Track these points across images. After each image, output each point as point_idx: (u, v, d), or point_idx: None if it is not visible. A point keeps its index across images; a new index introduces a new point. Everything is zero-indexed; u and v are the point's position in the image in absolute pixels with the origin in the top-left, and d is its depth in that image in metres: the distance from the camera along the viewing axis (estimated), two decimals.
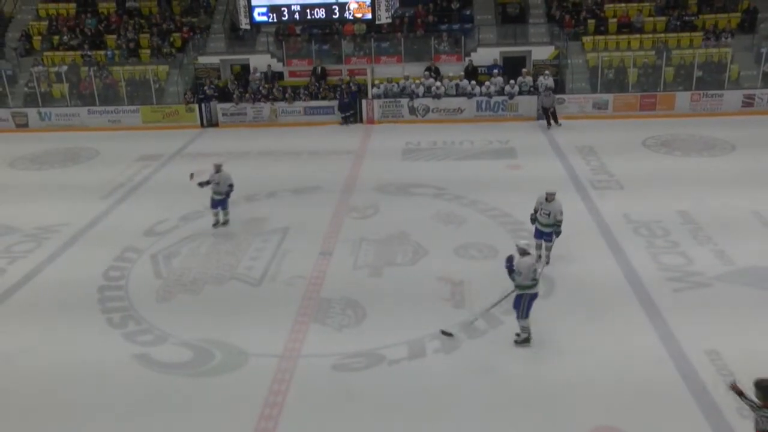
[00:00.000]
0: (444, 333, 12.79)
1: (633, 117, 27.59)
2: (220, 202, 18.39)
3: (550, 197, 15.04)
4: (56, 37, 33.24)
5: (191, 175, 18.53)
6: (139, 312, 14.54)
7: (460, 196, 19.77)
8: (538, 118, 27.92)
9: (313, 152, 25.52)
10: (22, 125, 30.57)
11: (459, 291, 14.59)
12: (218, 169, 18.07)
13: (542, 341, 12.65)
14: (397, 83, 29.43)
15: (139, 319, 14.25)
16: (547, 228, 15.20)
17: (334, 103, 29.18)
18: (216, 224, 18.58)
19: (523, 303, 12.37)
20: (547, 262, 15.29)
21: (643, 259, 15.62)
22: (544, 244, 15.49)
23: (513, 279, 12.24)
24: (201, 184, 18.05)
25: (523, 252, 12.43)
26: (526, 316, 12.47)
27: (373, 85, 29.40)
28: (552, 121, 27.11)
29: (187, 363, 12.68)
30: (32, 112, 30.63)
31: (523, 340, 12.62)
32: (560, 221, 15.00)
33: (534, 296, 12.48)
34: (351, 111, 28.98)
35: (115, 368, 12.56)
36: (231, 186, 18.20)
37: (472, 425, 10.66)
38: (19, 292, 15.70)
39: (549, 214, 15.01)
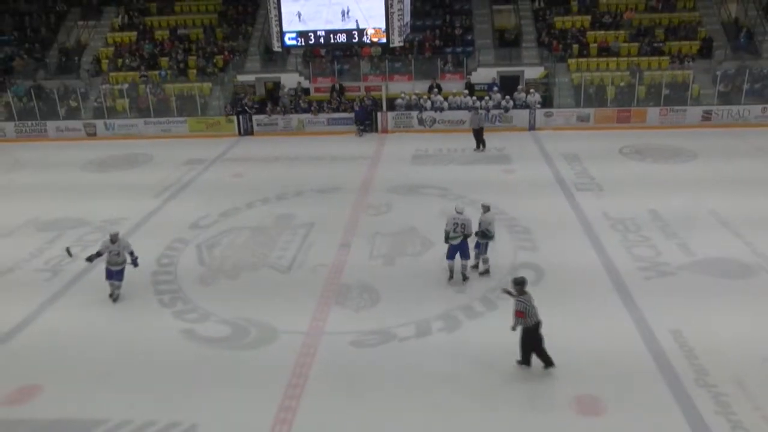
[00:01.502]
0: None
1: (611, 128, 27.39)
2: (117, 273, 14.13)
3: (484, 209, 14.54)
4: (120, 60, 33.43)
5: (68, 251, 14.72)
6: (186, 293, 14.64)
7: (462, 196, 19.65)
8: (529, 128, 27.87)
9: (335, 157, 25.44)
10: (92, 134, 30.72)
11: (460, 278, 14.53)
12: (114, 238, 13.95)
13: None
14: (410, 98, 29.45)
15: (186, 300, 14.35)
16: (481, 239, 14.48)
17: (352, 115, 29.09)
18: (113, 295, 14.29)
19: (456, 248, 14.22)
20: (480, 271, 14.71)
21: (618, 251, 15.58)
22: (481, 256, 14.68)
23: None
24: (90, 258, 14.12)
25: (486, 209, 14.49)
26: (468, 257, 14.42)
27: (399, 98, 29.39)
28: (481, 145, 25.30)
29: (226, 338, 12.77)
30: (100, 123, 30.78)
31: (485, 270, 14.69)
32: (491, 232, 14.38)
33: (458, 246, 14.24)
34: (367, 122, 28.88)
35: (165, 340, 12.69)
36: (132, 253, 14.24)
37: (470, 392, 10.70)
38: (89, 274, 15.77)
39: (480, 224, 14.37)
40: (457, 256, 14.27)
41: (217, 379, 11.47)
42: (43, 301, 14.63)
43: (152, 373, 11.70)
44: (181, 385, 11.31)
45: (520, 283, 10.94)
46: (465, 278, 14.53)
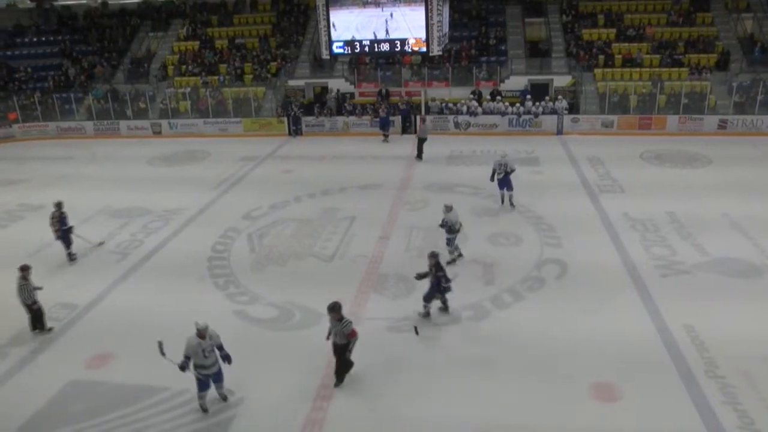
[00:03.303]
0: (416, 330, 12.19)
1: (633, 134, 27.00)
2: (217, 375, 10.09)
3: (446, 209, 14.53)
4: (184, 67, 33.93)
5: (160, 345, 9.91)
6: (238, 278, 14.81)
7: (493, 195, 19.44)
8: (557, 133, 27.61)
9: (376, 157, 25.47)
10: (157, 132, 31.28)
11: (490, 271, 14.50)
12: (203, 332, 9.80)
13: (554, 313, 12.59)
14: (447, 103, 29.46)
15: (238, 284, 14.52)
16: (446, 235, 14.74)
17: (395, 118, 28.88)
18: (207, 411, 10.15)
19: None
20: (448, 260, 14.64)
21: (637, 249, 15.34)
22: (449, 247, 14.93)
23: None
24: (183, 367, 9.85)
25: (449, 209, 14.46)
26: (512, 188, 18.27)
27: (451, 104, 29.40)
28: (418, 155, 24.59)
29: (273, 319, 12.92)
30: (164, 123, 31.35)
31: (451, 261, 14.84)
32: (456, 227, 14.55)
33: (504, 179, 18.19)
34: (406, 124, 28.64)
35: (220, 320, 12.69)
36: (221, 347, 9.99)
37: (494, 377, 10.66)
38: (153, 258, 16.26)
39: (445, 223, 14.55)
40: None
41: (265, 356, 11.60)
42: (114, 279, 15.03)
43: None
44: (232, 360, 11.46)
45: (338, 308, 10.29)
46: (512, 205, 18.50)
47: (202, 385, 10.03)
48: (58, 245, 16.27)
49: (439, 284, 12.19)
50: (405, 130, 28.94)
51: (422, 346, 11.67)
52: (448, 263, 14.64)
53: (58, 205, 15.87)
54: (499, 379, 10.60)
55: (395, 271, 14.67)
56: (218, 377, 10.12)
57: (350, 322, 10.37)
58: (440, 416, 9.81)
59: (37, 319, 12.76)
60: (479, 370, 10.89)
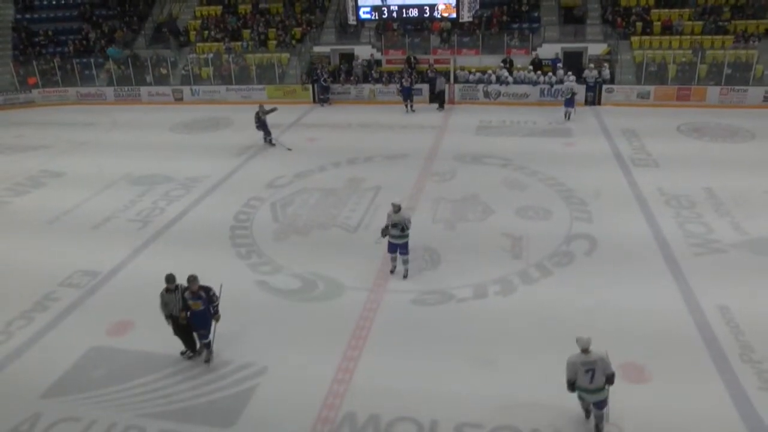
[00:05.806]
0: None
1: (670, 106, 26.51)
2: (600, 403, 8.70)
3: (395, 209, 12.73)
4: (206, 32, 33.93)
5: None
6: (261, 248, 14.94)
7: (523, 167, 19.42)
8: (591, 104, 27.23)
9: (404, 126, 25.35)
10: (179, 99, 31.50)
11: (518, 245, 14.46)
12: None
13: (582, 290, 12.52)
14: (474, 72, 29.16)
15: (260, 254, 14.64)
16: (400, 240, 12.92)
17: (422, 86, 28.59)
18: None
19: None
20: (405, 276, 13.25)
21: (671, 226, 15.14)
22: (399, 257, 13.22)
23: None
24: None
25: (397, 209, 12.75)
26: (573, 106, 24.69)
27: (483, 72, 29.03)
28: (441, 106, 27.81)
29: (296, 290, 13.01)
30: (186, 89, 31.51)
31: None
32: (408, 228, 12.85)
33: (570, 100, 24.62)
34: (413, 99, 27.85)
35: (241, 290, 12.94)
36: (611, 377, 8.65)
37: (519, 354, 10.68)
38: (174, 226, 16.47)
39: (397, 226, 12.73)
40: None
41: (287, 327, 11.74)
42: (136, 247, 15.26)
43: (229, 318, 11.98)
44: (254, 330, 11.64)
45: None
46: (568, 119, 24.68)
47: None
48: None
49: (210, 307, 10.58)
50: (433, 98, 28.73)
51: (447, 320, 11.74)
52: (405, 277, 13.38)
53: (261, 107, 22.71)
54: (524, 357, 10.61)
55: (421, 243, 14.58)
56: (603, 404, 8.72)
57: None
58: (463, 391, 9.89)
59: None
60: (503, 346, 10.92)
